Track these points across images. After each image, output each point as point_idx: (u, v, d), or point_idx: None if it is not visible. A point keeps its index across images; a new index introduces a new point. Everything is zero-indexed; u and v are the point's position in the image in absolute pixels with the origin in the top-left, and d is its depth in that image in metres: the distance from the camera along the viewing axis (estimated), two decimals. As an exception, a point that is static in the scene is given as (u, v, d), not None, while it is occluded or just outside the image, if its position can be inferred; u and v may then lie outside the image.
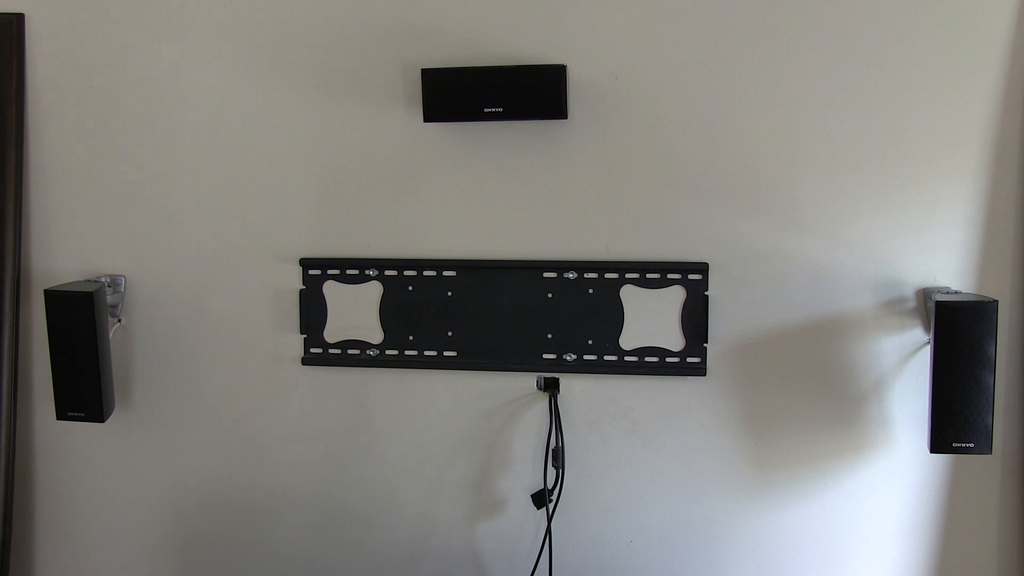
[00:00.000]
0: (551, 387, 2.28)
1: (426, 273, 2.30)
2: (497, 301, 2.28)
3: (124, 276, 2.41)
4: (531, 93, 2.12)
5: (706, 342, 2.20)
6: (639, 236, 2.21)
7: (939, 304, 1.95)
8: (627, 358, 2.24)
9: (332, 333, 2.35)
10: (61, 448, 2.51)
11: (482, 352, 2.29)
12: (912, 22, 2.05)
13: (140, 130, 2.36)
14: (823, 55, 2.09)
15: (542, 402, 2.29)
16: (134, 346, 2.44)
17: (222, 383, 2.42)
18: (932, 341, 1.99)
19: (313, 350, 2.36)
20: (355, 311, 2.33)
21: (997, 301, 1.95)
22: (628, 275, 2.22)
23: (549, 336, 2.26)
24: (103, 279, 2.35)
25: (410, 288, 2.31)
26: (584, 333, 2.25)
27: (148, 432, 2.47)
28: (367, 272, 2.32)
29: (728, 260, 2.18)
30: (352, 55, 2.26)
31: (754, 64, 2.11)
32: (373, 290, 2.32)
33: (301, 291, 2.35)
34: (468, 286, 2.28)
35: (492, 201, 2.26)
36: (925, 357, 2.10)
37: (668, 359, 2.22)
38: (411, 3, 2.21)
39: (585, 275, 2.23)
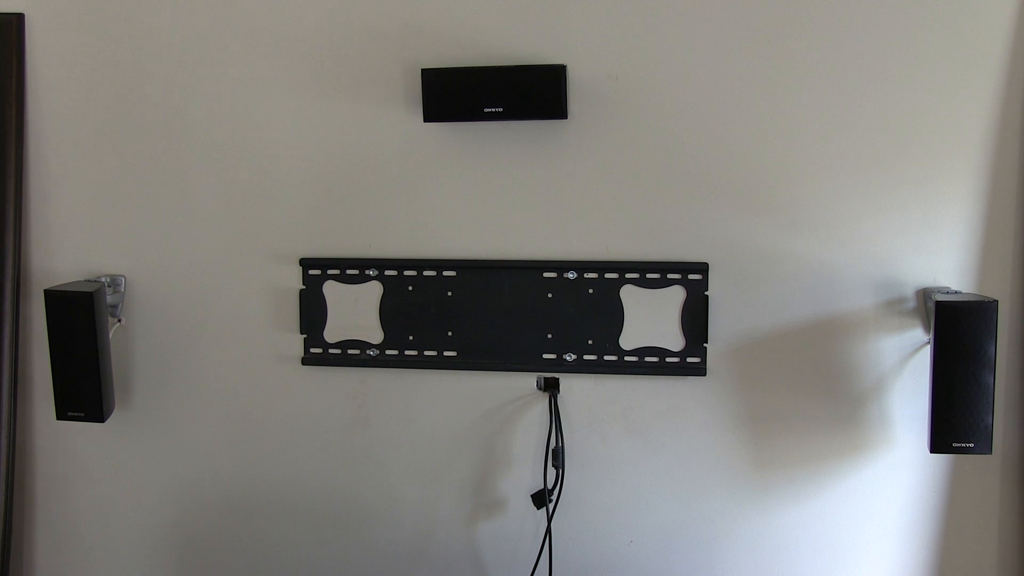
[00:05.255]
0: (551, 387, 2.28)
1: (426, 273, 2.30)
2: (497, 301, 2.28)
3: (124, 276, 2.41)
4: (531, 93, 2.12)
5: (706, 342, 2.20)
6: (639, 236, 2.21)
7: (939, 304, 1.95)
8: (627, 358, 2.24)
9: (332, 333, 2.35)
10: (61, 448, 2.51)
11: (482, 352, 2.29)
12: (912, 22, 2.05)
13: (140, 130, 2.36)
14: (823, 55, 2.09)
15: (542, 402, 2.29)
16: (134, 346, 2.44)
17: (222, 383, 2.41)
18: (932, 341, 1.99)
19: (313, 350, 2.36)
20: (355, 311, 2.33)
21: (997, 301, 1.95)
22: (628, 275, 2.22)
23: (549, 336, 2.26)
24: (103, 279, 2.35)
25: (410, 288, 2.31)
26: (584, 333, 2.25)
27: (148, 432, 2.47)
28: (367, 272, 2.32)
29: (728, 260, 2.18)
30: (352, 55, 2.26)
31: (754, 64, 2.11)
32: (373, 290, 2.32)
33: (301, 291, 2.35)
34: (468, 286, 2.28)
35: (492, 201, 2.26)
36: (925, 357, 2.10)
37: (668, 359, 2.22)
38: (411, 3, 2.21)
39: (585, 275, 2.23)
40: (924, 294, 2.11)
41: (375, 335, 2.33)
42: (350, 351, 2.34)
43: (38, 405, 2.50)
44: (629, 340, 2.24)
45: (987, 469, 2.16)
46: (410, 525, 2.40)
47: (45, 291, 2.22)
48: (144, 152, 2.37)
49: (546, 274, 2.25)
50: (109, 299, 2.35)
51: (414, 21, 2.21)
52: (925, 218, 2.10)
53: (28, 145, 2.41)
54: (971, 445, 1.97)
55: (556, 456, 2.25)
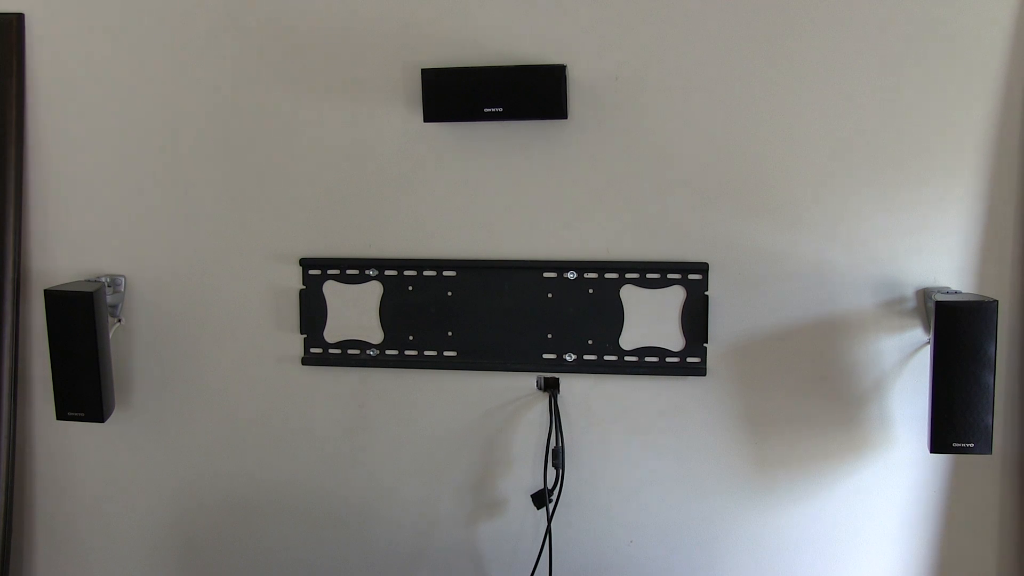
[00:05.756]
0: (551, 387, 2.28)
1: (426, 273, 2.30)
2: (497, 301, 2.28)
3: (124, 276, 2.41)
4: (531, 93, 2.12)
5: (706, 342, 2.20)
6: (639, 236, 2.21)
7: (939, 304, 1.95)
8: (627, 358, 2.24)
9: (332, 333, 2.35)
10: (61, 448, 2.51)
11: (482, 352, 2.29)
12: (912, 23, 2.05)
13: (140, 130, 2.36)
14: (823, 55, 2.09)
15: (542, 402, 2.29)
16: (134, 346, 2.44)
17: (222, 383, 2.42)
18: (932, 341, 1.99)
19: (313, 350, 2.36)
20: (355, 311, 2.33)
21: (997, 301, 1.95)
22: (628, 275, 2.22)
23: (549, 336, 2.26)
24: (103, 279, 2.35)
25: (410, 288, 2.31)
26: (584, 333, 2.25)
27: (148, 432, 2.47)
28: (367, 272, 2.32)
29: (728, 260, 2.18)
30: (352, 55, 2.25)
31: (754, 64, 2.11)
32: (373, 290, 2.33)
33: (301, 291, 2.35)
34: (468, 286, 2.28)
35: (492, 201, 2.26)
36: (925, 357, 2.10)
37: (668, 359, 2.22)
38: (411, 3, 2.21)
39: (585, 275, 2.23)
40: (924, 294, 2.11)
41: (375, 335, 2.33)
42: (350, 351, 2.34)
43: (38, 405, 2.50)
44: (629, 340, 2.24)
45: (987, 469, 2.16)
46: (410, 525, 2.40)
47: (45, 291, 2.22)
48: (144, 152, 2.37)
49: (546, 274, 2.25)
50: (109, 299, 2.35)
51: (414, 21, 2.22)
52: (925, 218, 2.10)
53: (28, 145, 2.41)
54: (971, 445, 1.97)
55: (556, 456, 2.25)
